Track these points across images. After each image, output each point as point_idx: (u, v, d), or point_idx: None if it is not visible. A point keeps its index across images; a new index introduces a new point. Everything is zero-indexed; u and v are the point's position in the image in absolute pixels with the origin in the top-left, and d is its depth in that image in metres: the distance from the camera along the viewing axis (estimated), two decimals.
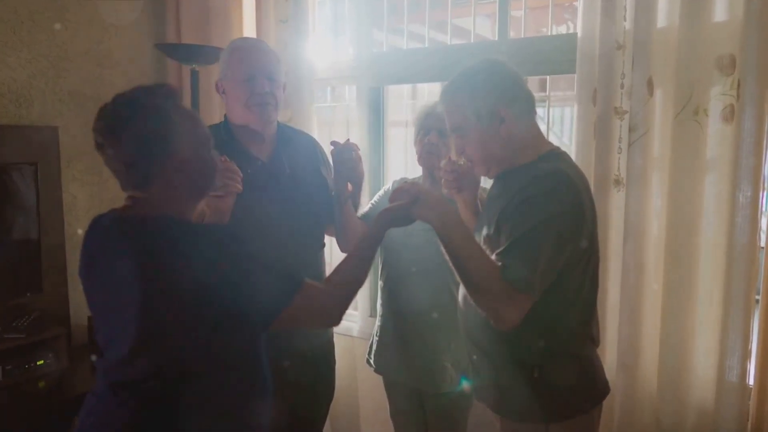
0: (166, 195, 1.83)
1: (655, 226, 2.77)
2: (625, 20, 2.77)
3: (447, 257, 1.99)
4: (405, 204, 2.05)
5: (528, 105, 2.16)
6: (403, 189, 2.09)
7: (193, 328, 1.74)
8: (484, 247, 2.05)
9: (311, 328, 2.72)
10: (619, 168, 2.82)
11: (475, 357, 2.26)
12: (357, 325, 3.99)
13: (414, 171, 3.10)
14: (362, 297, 3.96)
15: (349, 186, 2.75)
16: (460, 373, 2.82)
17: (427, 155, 2.85)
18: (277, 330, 1.89)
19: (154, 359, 1.77)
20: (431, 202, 2.02)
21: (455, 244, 1.96)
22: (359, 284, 2.03)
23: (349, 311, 4.02)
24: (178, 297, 1.70)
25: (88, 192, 3.92)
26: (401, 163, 4.08)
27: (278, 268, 1.85)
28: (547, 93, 3.61)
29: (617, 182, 2.83)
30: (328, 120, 4.40)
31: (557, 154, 2.15)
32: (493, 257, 1.95)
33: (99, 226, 1.88)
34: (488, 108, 2.08)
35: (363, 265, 2.04)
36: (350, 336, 3.97)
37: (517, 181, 2.04)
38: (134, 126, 1.76)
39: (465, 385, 2.77)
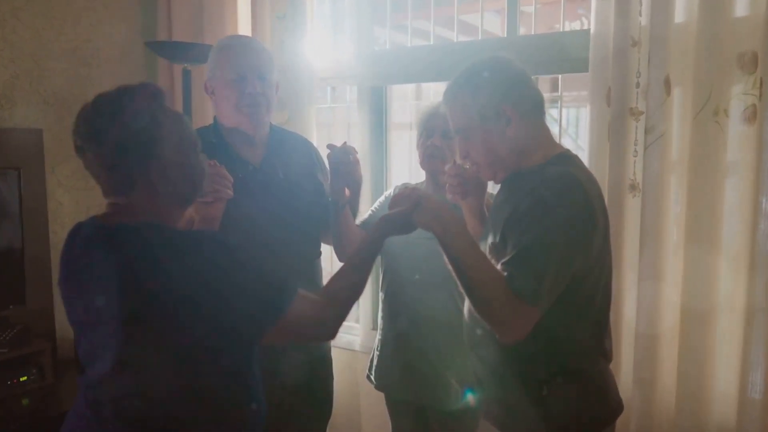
0: (150, 201, 1.82)
1: (673, 234, 2.75)
2: (640, 15, 2.76)
3: (449, 267, 1.97)
4: (405, 210, 2.04)
5: (536, 105, 2.14)
6: (404, 194, 2.07)
7: (179, 343, 1.73)
8: (489, 256, 2.04)
9: (305, 342, 2.69)
10: (634, 172, 2.80)
11: (480, 373, 2.24)
12: (358, 338, 3.99)
13: (418, 176, 3.09)
14: (364, 309, 3.96)
15: (347, 191, 2.73)
16: (466, 389, 2.80)
17: (430, 159, 2.83)
18: (268, 344, 1.87)
19: (137, 376, 1.76)
20: (433, 209, 2.00)
21: (458, 253, 1.94)
22: (356, 295, 2.02)
23: (351, 324, 4.03)
24: (164, 309, 1.69)
25: (75, 198, 3.92)
26: (404, 168, 4.06)
27: (270, 278, 1.84)
28: (560, 93, 3.58)
29: (633, 187, 2.82)
30: (328, 122, 4.39)
31: (567, 157, 2.13)
32: (499, 267, 1.93)
33: (79, 235, 1.86)
34: (493, 108, 2.06)
35: (360, 274, 2.03)
36: (351, 350, 3.96)
37: (524, 185, 2.01)
38: (116, 128, 1.75)
39: (471, 402, 2.75)
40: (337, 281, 2.01)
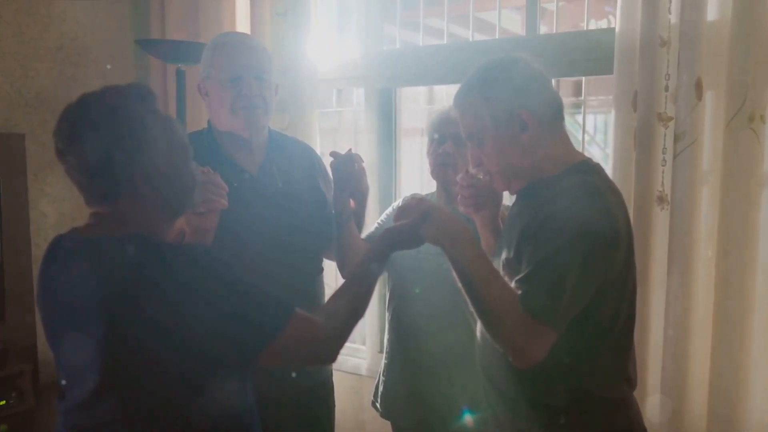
0: (135, 211, 1.82)
1: (705, 250, 2.74)
2: (670, 13, 2.76)
3: (459, 284, 1.97)
4: (411, 223, 2.04)
5: (554, 109, 2.13)
6: (410, 205, 2.07)
7: (165, 365, 1.72)
8: (502, 272, 2.03)
9: (303, 366, 2.68)
10: (662, 183, 2.80)
11: (492, 399, 2.23)
12: (365, 361, 3.99)
13: (430, 186, 3.08)
14: (371, 330, 3.95)
15: (352, 203, 2.72)
16: (478, 417, 2.79)
17: (441, 167, 2.82)
18: (263, 367, 1.87)
19: (121, 401, 1.75)
20: (441, 221, 2.01)
21: (468, 269, 1.94)
22: (358, 315, 2.01)
23: (357, 346, 4.03)
24: (150, 328, 1.69)
25: (59, 209, 3.93)
26: (415, 177, 4.07)
27: (263, 296, 1.83)
28: (583, 97, 3.58)
29: (661, 199, 2.81)
30: (332, 127, 4.40)
31: (588, 166, 2.12)
32: (513, 284, 1.93)
33: (58, 248, 1.87)
34: (508, 112, 2.06)
35: (362, 293, 2.02)
36: (357, 374, 3.96)
37: (541, 196, 2.01)
38: (100, 130, 1.75)
39: (483, 431, 2.74)
40: (337, 300, 2.00)
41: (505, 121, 2.06)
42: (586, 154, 2.38)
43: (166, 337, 1.69)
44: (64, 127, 1.79)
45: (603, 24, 5.31)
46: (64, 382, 1.87)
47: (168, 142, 1.86)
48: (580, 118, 3.70)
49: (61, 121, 1.80)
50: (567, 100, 4.66)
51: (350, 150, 2.68)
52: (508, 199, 2.46)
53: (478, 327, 2.20)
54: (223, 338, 1.74)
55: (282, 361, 1.92)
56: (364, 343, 4.01)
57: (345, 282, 2.06)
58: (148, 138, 1.80)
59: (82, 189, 1.83)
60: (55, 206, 3.93)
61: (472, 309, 1.97)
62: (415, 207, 2.05)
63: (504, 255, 2.10)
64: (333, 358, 1.99)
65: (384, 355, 3.05)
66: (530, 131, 2.06)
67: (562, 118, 2.17)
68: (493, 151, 2.11)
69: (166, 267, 1.73)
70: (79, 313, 1.75)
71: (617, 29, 2.87)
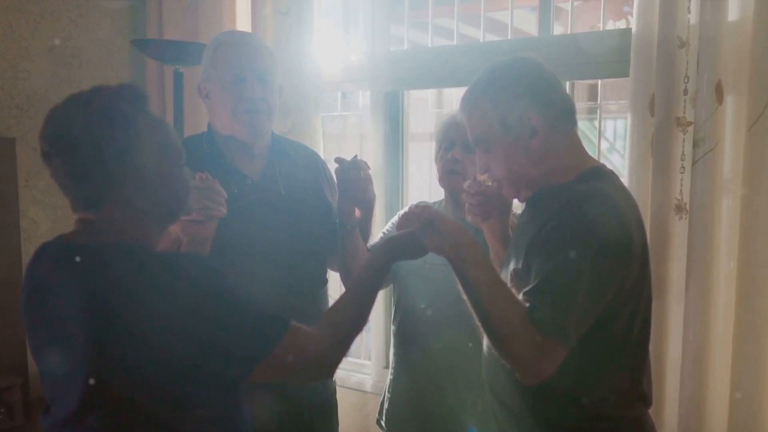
0: (124, 218, 1.82)
1: (725, 262, 2.73)
2: (689, 12, 2.77)
3: (464, 296, 1.97)
4: (414, 232, 2.04)
5: (566, 112, 2.13)
6: (414, 213, 2.07)
7: (152, 381, 1.72)
8: (510, 284, 2.04)
9: (301, 382, 2.66)
10: (681, 191, 2.80)
11: (501, 418, 2.23)
12: (370, 378, 3.99)
13: (439, 193, 3.07)
14: (377, 344, 3.96)
15: (357, 212, 2.73)
16: None
17: (449, 174, 2.82)
18: (258, 381, 1.87)
19: (107, 417, 1.75)
20: (446, 230, 2.01)
21: (473, 281, 1.95)
22: (358, 328, 2.01)
23: (362, 361, 4.03)
24: (138, 341, 1.69)
25: (51, 216, 3.94)
26: (424, 184, 4.08)
27: (258, 308, 1.83)
28: (598, 102, 3.58)
29: (679, 208, 2.81)
30: (337, 132, 4.40)
31: (601, 173, 2.12)
32: (521, 297, 1.93)
33: (44, 256, 1.87)
34: (517, 115, 2.06)
35: (362, 304, 2.03)
36: (362, 391, 3.96)
37: (551, 204, 2.01)
38: (87, 132, 1.75)
39: None
40: (336, 312, 2.01)
41: (514, 126, 2.07)
42: (606, 162, 2.38)
43: (153, 350, 1.69)
44: (50, 128, 1.79)
45: (621, 25, 5.31)
46: (48, 396, 1.87)
47: (159, 145, 1.86)
48: (590, 123, 3.70)
49: (47, 123, 1.80)
50: (583, 104, 4.68)
51: (356, 156, 2.68)
52: (518, 207, 2.46)
53: (485, 341, 2.20)
54: (214, 353, 1.74)
55: (277, 377, 1.91)
56: (369, 359, 4.01)
57: (344, 294, 2.06)
58: (138, 141, 1.80)
59: (69, 194, 1.84)
60: (47, 214, 3.94)
61: (478, 323, 1.97)
62: (418, 215, 2.05)
63: (512, 266, 2.10)
64: (330, 373, 1.99)
65: (390, 370, 3.05)
66: (540, 136, 2.06)
67: (575, 122, 2.17)
68: (501, 157, 2.11)
69: (156, 277, 1.73)
70: (63, 324, 1.75)
71: (634, 30, 2.88)
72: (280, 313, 1.86)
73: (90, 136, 1.75)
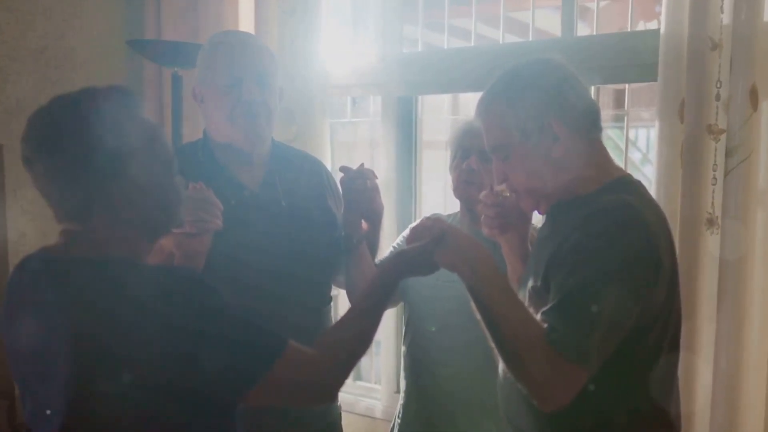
0: (111, 230, 1.81)
1: (761, 280, 2.72)
2: (722, 12, 2.75)
3: (478, 316, 1.95)
4: (424, 246, 2.02)
5: (590, 118, 2.11)
6: (425, 226, 2.06)
7: (141, 404, 1.71)
8: (528, 303, 2.02)
9: (299, 406, 2.63)
10: (713, 204, 2.78)
11: None
12: (380, 403, 3.98)
13: (455, 205, 3.05)
14: (387, 367, 3.94)
15: (364, 224, 2.72)
16: None
17: (464, 185, 2.80)
18: (255, 407, 1.85)
19: None
20: (458, 244, 1.99)
21: (488, 300, 1.93)
22: (362, 350, 1.99)
23: (371, 386, 4.02)
24: (124, 362, 1.67)
25: (41, 228, 3.93)
26: (438, 196, 4.06)
27: (254, 326, 1.81)
28: (626, 109, 3.57)
29: (710, 222, 2.79)
30: (347, 139, 4.40)
31: (627, 183, 2.10)
32: (539, 317, 1.90)
33: (25, 270, 1.86)
34: (536, 121, 2.04)
35: (367, 324, 2.01)
36: (371, 417, 3.94)
37: (572, 217, 1.99)
38: (73, 137, 1.74)
39: None
40: (338, 332, 1.99)
41: (534, 132, 2.04)
42: (640, 176, 2.36)
43: (140, 372, 1.67)
44: (34, 131, 1.78)
45: (652, 26, 5.29)
46: (28, 419, 1.86)
47: (150, 152, 1.85)
48: (631, 132, 3.68)
49: (29, 125, 1.80)
50: (610, 111, 4.66)
51: (362, 165, 2.67)
52: (539, 220, 2.44)
53: (501, 365, 2.17)
54: (205, 376, 1.72)
55: (274, 401, 1.89)
56: (378, 383, 4.00)
57: (347, 312, 2.04)
58: (128, 147, 1.78)
59: (52, 203, 1.82)
60: (37, 225, 3.93)
61: (492, 344, 1.95)
62: (429, 228, 2.03)
63: (530, 283, 2.08)
64: (332, 397, 1.99)
65: (401, 394, 3.03)
66: (562, 143, 2.04)
67: (599, 129, 2.14)
68: (519, 166, 2.09)
69: (144, 292, 1.71)
70: (43, 343, 1.73)
71: (662, 31, 2.86)
72: (277, 332, 1.85)
73: (75, 141, 1.74)
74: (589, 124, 2.10)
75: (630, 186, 2.09)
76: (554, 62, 2.15)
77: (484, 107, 2.15)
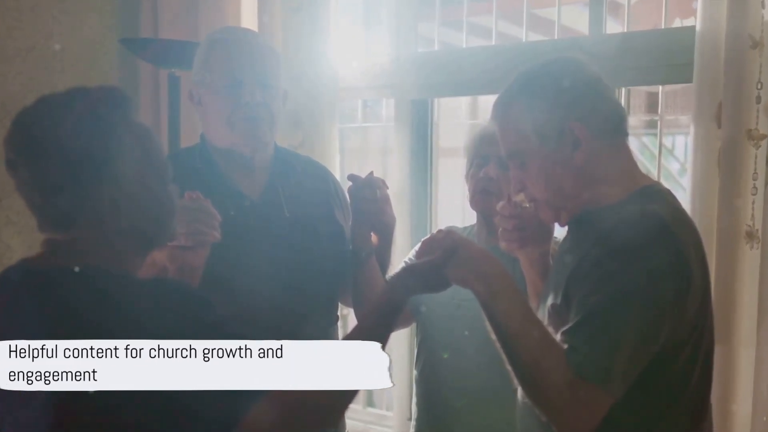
0: (98, 241, 1.81)
1: None
2: (763, 8, 2.74)
3: (493, 336, 1.94)
4: (435, 261, 2.01)
5: (614, 122, 2.10)
6: (435, 239, 2.05)
7: (129, 423, 1.70)
8: (548, 321, 2.01)
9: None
10: (753, 215, 2.76)
11: None
12: (392, 431, 3.95)
13: (473, 216, 3.05)
14: (399, 392, 3.92)
15: (374, 237, 2.71)
16: None
17: (482, 195, 2.79)
18: None
19: None
20: (472, 259, 1.98)
21: (504, 318, 1.91)
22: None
23: (383, 412, 4.01)
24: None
25: (27, 241, 3.93)
26: (456, 206, 4.05)
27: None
28: (659, 113, 3.55)
29: (750, 235, 2.77)
30: (357, 146, 4.40)
31: (654, 192, 2.08)
32: (559, 337, 1.89)
33: (6, 282, 1.85)
34: (556, 125, 2.03)
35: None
36: None
37: (595, 229, 1.98)
38: (59, 140, 1.74)
39: None
40: None
41: (553, 136, 2.04)
42: (676, 186, 2.35)
43: (121, 396, 1.66)
44: (17, 133, 1.78)
45: (690, 23, 5.29)
46: None
47: (141, 157, 1.84)
48: (667, 139, 3.66)
49: (13, 126, 1.79)
50: (642, 117, 4.64)
51: (371, 173, 2.65)
52: (561, 232, 2.43)
53: (519, 389, 2.16)
54: (193, 400, 1.71)
55: (269, 430, 1.89)
56: (390, 409, 3.99)
57: (351, 332, 2.03)
58: (117, 152, 1.78)
59: (35, 210, 1.82)
60: (22, 238, 3.93)
61: (509, 367, 1.94)
62: (440, 241, 2.02)
63: (550, 300, 2.07)
64: (332, 424, 1.97)
65: (412, 421, 3.02)
66: (584, 148, 2.03)
67: (625, 134, 2.13)
68: (538, 174, 2.08)
69: (130, 306, 1.71)
70: None
71: (698, 28, 2.85)
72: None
73: (62, 144, 1.74)
74: (614, 128, 2.09)
75: (657, 195, 2.08)
76: (575, 61, 2.15)
77: (499, 109, 2.15)
